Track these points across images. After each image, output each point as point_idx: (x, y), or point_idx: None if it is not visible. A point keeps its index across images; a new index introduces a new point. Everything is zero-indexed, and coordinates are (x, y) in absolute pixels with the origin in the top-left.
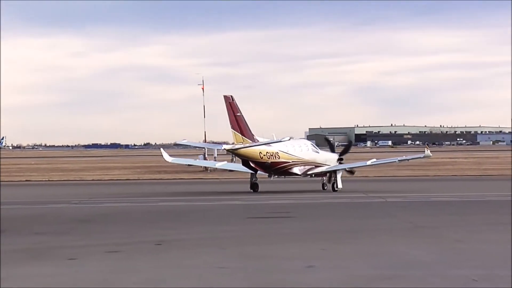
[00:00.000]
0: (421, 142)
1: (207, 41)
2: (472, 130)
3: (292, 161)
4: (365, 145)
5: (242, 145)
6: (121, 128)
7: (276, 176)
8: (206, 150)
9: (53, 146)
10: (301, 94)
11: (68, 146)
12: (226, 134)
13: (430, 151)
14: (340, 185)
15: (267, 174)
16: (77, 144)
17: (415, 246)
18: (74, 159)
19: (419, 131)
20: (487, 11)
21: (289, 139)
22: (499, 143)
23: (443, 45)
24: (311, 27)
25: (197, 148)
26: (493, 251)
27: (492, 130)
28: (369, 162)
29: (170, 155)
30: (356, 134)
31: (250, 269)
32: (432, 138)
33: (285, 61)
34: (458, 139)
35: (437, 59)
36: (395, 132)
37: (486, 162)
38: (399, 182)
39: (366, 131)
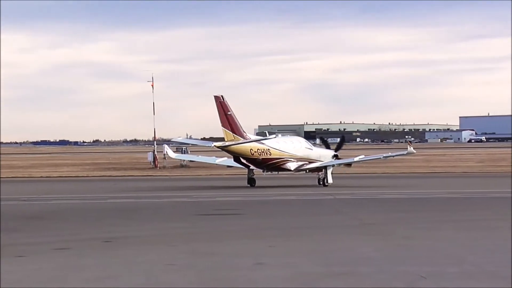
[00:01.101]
0: (370, 140)
1: (156, 38)
2: (421, 128)
3: (284, 158)
4: (315, 142)
5: (232, 142)
6: (70, 124)
7: (269, 172)
8: (155, 147)
9: (1, 143)
10: (250, 91)
11: (16, 142)
12: (175, 130)
13: (413, 148)
14: (330, 180)
15: (261, 170)
16: (25, 140)
17: (363, 243)
18: (23, 156)
19: (368, 129)
20: (433, 10)
21: (275, 137)
22: (447, 140)
23: (390, 43)
24: (258, 24)
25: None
26: (441, 248)
27: (440, 128)
28: (356, 159)
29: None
30: (305, 132)
31: (199, 266)
32: (381, 136)
33: (233, 58)
34: (406, 136)
35: (384, 57)
36: (344, 129)
37: (434, 159)
38: (351, 180)
39: (315, 129)
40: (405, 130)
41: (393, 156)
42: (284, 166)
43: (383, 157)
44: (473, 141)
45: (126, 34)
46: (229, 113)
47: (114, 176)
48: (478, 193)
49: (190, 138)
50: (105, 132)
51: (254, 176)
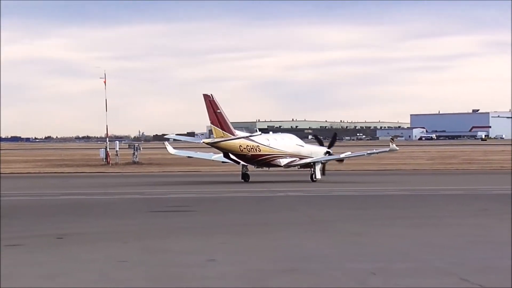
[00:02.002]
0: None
1: (107, 35)
2: (372, 126)
3: (274, 154)
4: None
5: (221, 139)
6: (21, 121)
7: (259, 167)
8: (107, 144)
9: None
10: (203, 88)
11: None
12: (128, 126)
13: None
14: (318, 176)
15: (253, 165)
16: None
17: (314, 240)
18: None
19: (320, 126)
20: (383, 8)
21: (260, 134)
22: (398, 138)
23: (342, 41)
24: (210, 21)
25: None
26: (391, 244)
27: (391, 126)
28: (342, 155)
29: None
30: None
31: (150, 263)
32: (331, 133)
33: (186, 55)
34: (358, 134)
35: (336, 54)
36: (296, 127)
37: (385, 157)
38: (304, 176)
39: (268, 126)
40: (357, 128)
41: (377, 153)
42: (274, 162)
43: (367, 154)
44: (423, 138)
45: (77, 31)
46: (218, 111)
47: (66, 172)
48: (428, 190)
49: (143, 134)
50: (57, 129)
51: (248, 172)
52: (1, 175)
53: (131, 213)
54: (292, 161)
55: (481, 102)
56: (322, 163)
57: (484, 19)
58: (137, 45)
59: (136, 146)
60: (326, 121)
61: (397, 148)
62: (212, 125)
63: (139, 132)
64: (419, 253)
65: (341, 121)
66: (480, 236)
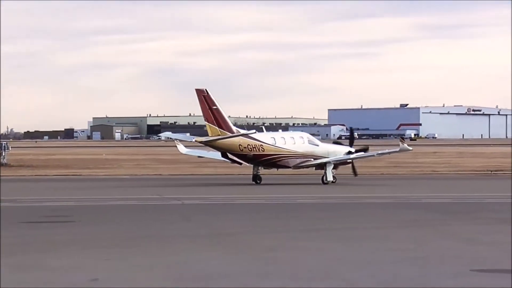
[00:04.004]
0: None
1: None
2: (283, 122)
3: (281, 154)
4: (159, 138)
5: (217, 137)
6: None
7: (266, 169)
8: (6, 144)
9: None
10: (84, 76)
11: None
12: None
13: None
14: (330, 178)
15: (258, 166)
16: None
17: (217, 255)
18: None
19: None
20: None
21: (255, 132)
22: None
23: (250, 22)
24: None
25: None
26: (308, 260)
27: (306, 122)
28: (352, 156)
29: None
30: (148, 125)
31: (25, 283)
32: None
33: (65, 37)
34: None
35: (243, 38)
36: (194, 123)
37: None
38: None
39: (161, 122)
40: (265, 124)
41: (387, 153)
42: (280, 163)
43: (377, 154)
44: (343, 137)
45: None
46: (214, 107)
47: None
48: (351, 198)
49: (12, 131)
50: None
51: (260, 173)
52: None
53: (1, 224)
54: (302, 162)
55: (411, 96)
56: (334, 163)
57: None
58: (5, 24)
59: (3, 145)
60: (229, 116)
61: (410, 148)
62: (207, 123)
63: (7, 128)
64: (341, 271)
65: (247, 116)
66: (411, 251)
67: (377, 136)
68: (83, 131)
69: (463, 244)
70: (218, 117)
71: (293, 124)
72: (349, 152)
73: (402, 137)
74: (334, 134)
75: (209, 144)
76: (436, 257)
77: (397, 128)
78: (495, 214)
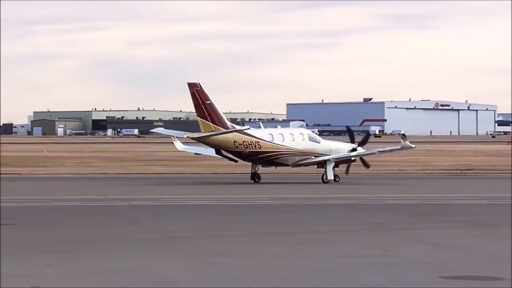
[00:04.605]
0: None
1: None
2: (239, 117)
3: (278, 151)
4: (105, 134)
5: (210, 133)
6: None
7: (264, 167)
8: None
9: None
10: (24, 68)
11: None
12: None
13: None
14: (330, 177)
15: (255, 164)
16: None
17: (165, 261)
18: None
19: (173, 118)
20: None
21: (249, 128)
22: None
23: (203, 10)
24: None
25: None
26: (262, 267)
27: (263, 118)
28: (353, 153)
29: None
30: (93, 120)
31: None
32: (189, 127)
33: (3, 26)
34: None
35: (196, 27)
36: (143, 118)
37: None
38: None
39: (107, 116)
40: None
41: (388, 151)
42: (278, 161)
43: (377, 152)
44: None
45: None
46: (208, 102)
47: None
48: (310, 199)
49: None
50: None
51: (259, 171)
52: None
53: None
54: (301, 160)
55: (375, 90)
56: (334, 162)
57: None
58: None
59: None
60: (181, 111)
61: (413, 146)
62: (199, 118)
63: None
64: (294, 280)
65: None
66: (374, 257)
67: (338, 133)
68: (23, 126)
69: (431, 249)
70: (212, 112)
71: (249, 119)
72: (354, 150)
73: (404, 134)
74: None
75: (202, 141)
76: (402, 263)
77: (361, 124)
78: (464, 217)
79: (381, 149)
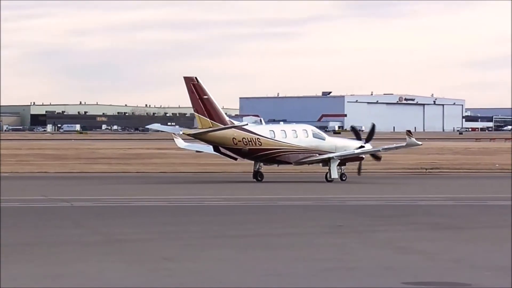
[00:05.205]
0: (120, 127)
1: None
2: (189, 112)
3: (280, 148)
4: (45, 130)
5: (207, 129)
6: None
7: (266, 165)
8: None
9: None
10: None
11: None
12: None
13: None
14: (334, 175)
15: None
16: None
17: (111, 266)
18: None
19: (118, 112)
20: None
21: (247, 124)
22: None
23: None
24: None
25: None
26: (212, 272)
27: None
28: (357, 151)
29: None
30: (32, 115)
31: None
32: (135, 122)
33: None
34: (169, 123)
35: (142, 15)
36: (86, 112)
37: (205, 155)
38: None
39: (46, 111)
40: (168, 115)
41: (394, 148)
42: (280, 159)
43: (382, 149)
44: None
45: None
46: (205, 97)
47: None
48: (263, 199)
49: None
50: None
51: (262, 170)
52: None
53: None
54: (305, 157)
55: (334, 83)
56: (339, 159)
57: None
58: None
59: None
60: (126, 105)
61: (419, 143)
62: (196, 114)
63: None
64: (252, 285)
65: (146, 105)
66: (334, 261)
67: None
68: None
69: (394, 253)
70: (210, 108)
71: None
72: (361, 147)
73: (409, 131)
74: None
75: (199, 137)
76: (363, 268)
77: (319, 120)
78: (428, 219)
79: (386, 146)
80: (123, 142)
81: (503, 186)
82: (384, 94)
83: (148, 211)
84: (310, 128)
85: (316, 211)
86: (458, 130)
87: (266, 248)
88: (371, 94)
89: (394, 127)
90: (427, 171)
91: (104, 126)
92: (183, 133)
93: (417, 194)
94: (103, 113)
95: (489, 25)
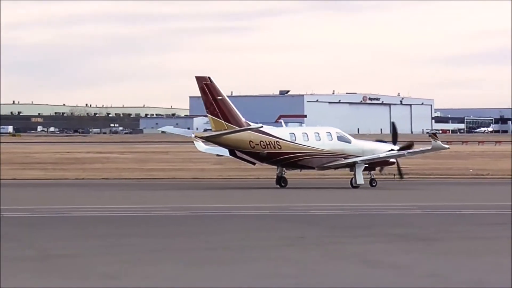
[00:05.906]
0: (57, 129)
1: None
2: (133, 113)
3: (301, 152)
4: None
5: (222, 132)
6: None
7: (289, 169)
8: None
9: None
10: None
11: None
12: None
13: (442, 142)
14: (360, 181)
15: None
16: None
17: (46, 283)
18: None
19: (55, 113)
20: None
21: (261, 126)
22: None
23: None
24: None
25: None
26: None
27: (162, 113)
28: (382, 154)
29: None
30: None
31: None
32: (75, 123)
33: None
34: (112, 125)
35: (83, 8)
36: (19, 113)
37: (151, 159)
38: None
39: None
40: (110, 115)
41: (420, 152)
42: (302, 163)
43: (408, 153)
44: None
45: None
46: (219, 97)
47: None
48: (219, 209)
49: None
50: None
51: (285, 175)
52: None
53: None
54: (329, 162)
55: (293, 81)
56: (365, 164)
57: None
58: None
59: None
60: (64, 105)
61: (447, 147)
62: (210, 116)
63: None
64: None
65: (87, 105)
66: (292, 277)
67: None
68: None
69: (361, 267)
70: (224, 109)
71: (146, 114)
72: (391, 151)
73: (434, 133)
74: (197, 128)
75: (212, 140)
76: (326, 284)
77: (276, 121)
78: (396, 229)
79: (411, 150)
80: (60, 145)
81: (477, 193)
82: (347, 93)
83: (87, 221)
84: (335, 131)
85: (264, 220)
86: (427, 132)
87: (218, 262)
88: (333, 93)
89: (358, 129)
90: (395, 177)
91: (39, 128)
92: (195, 136)
93: (384, 202)
94: (39, 114)
95: (459, 21)
